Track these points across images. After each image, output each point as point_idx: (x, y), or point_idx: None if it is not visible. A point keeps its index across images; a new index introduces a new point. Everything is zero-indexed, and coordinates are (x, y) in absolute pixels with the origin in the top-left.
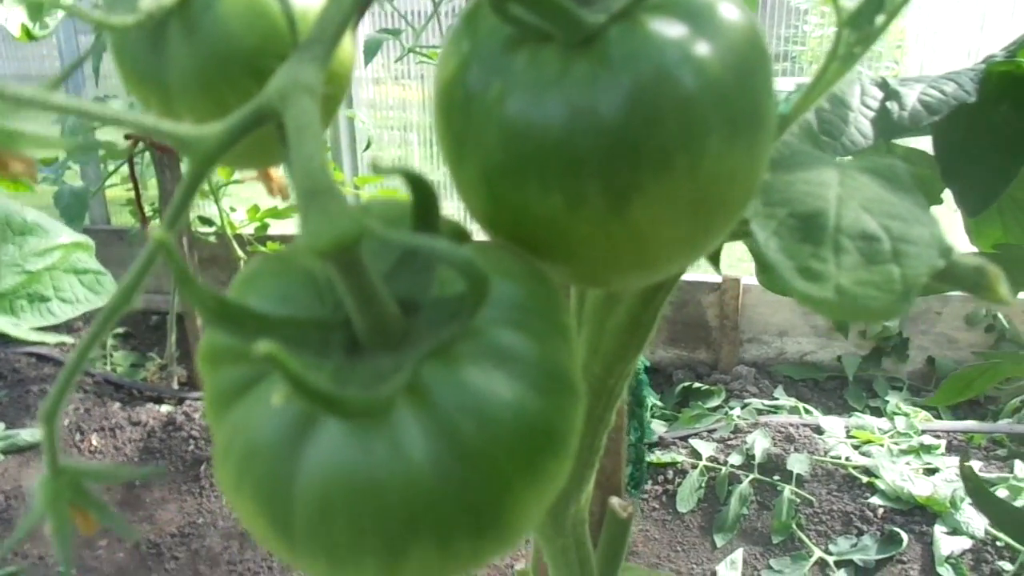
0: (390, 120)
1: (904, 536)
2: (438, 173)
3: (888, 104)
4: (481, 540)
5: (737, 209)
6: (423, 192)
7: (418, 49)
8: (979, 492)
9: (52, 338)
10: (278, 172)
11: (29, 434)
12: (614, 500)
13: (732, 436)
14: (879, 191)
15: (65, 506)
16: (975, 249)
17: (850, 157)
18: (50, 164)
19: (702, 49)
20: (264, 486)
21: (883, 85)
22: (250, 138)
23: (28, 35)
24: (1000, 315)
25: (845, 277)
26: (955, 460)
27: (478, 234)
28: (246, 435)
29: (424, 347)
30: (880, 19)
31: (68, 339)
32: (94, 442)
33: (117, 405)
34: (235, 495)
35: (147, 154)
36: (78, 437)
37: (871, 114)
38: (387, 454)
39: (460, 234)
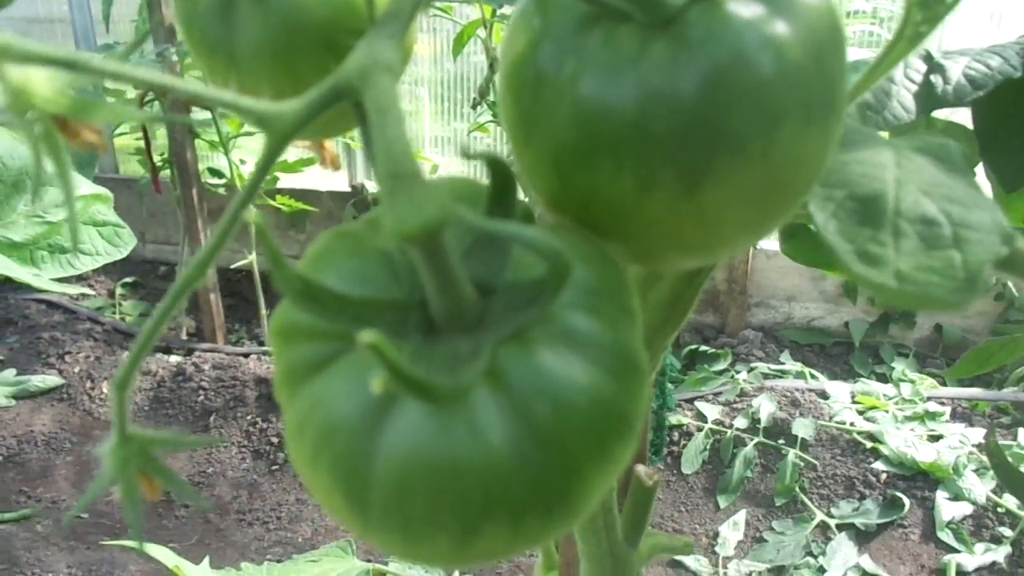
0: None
1: (906, 501)
2: (448, 129)
3: (932, 78)
4: (550, 519)
5: (804, 192)
6: (502, 175)
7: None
8: (1003, 467)
9: (74, 289)
10: (330, 142)
11: (40, 380)
12: (640, 468)
13: (738, 400)
14: (936, 173)
15: (134, 472)
16: None
17: (889, 134)
18: None
19: (781, 32)
20: (342, 463)
21: (927, 58)
22: None
23: None
24: (1009, 283)
25: (905, 262)
26: (959, 427)
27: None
28: (324, 412)
29: (501, 331)
30: None
31: (88, 291)
32: (105, 390)
33: (127, 354)
34: (310, 470)
35: (156, 103)
36: (88, 385)
37: (914, 88)
38: (465, 436)
39: (528, 214)
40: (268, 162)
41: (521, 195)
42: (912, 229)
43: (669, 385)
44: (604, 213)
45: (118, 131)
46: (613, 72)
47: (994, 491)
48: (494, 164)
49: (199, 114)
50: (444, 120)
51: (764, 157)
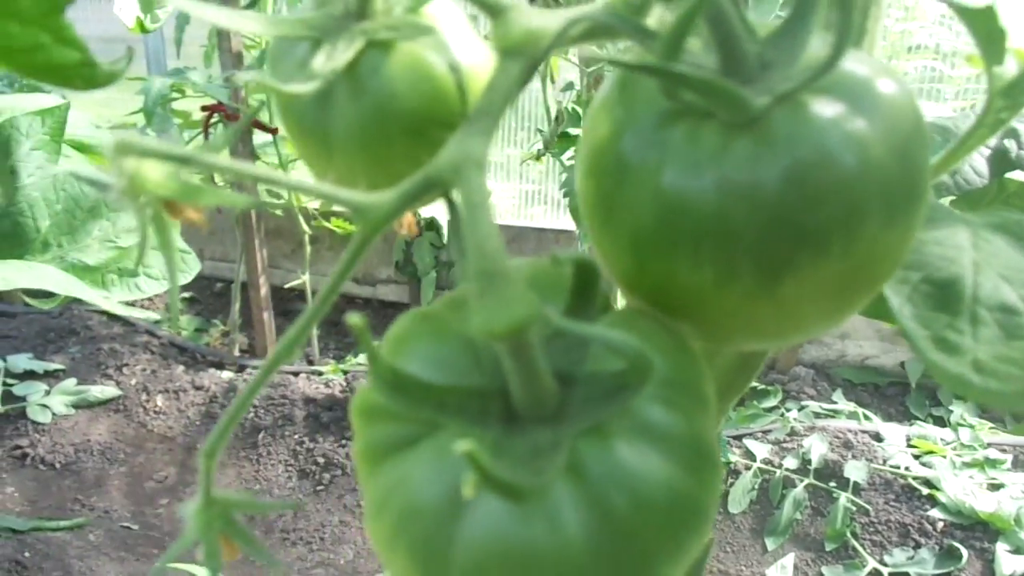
0: None
1: (964, 552)
2: (501, 155)
3: (1006, 142)
4: None
5: (881, 284)
6: (589, 274)
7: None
8: None
9: (141, 314)
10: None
11: (99, 391)
12: None
13: (788, 439)
14: (1014, 256)
15: (216, 535)
16: None
17: (955, 203)
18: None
19: (863, 130)
20: (421, 547)
21: None
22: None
23: (142, 28)
24: None
25: (983, 351)
26: (1022, 476)
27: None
28: (406, 494)
29: (580, 423)
30: None
31: (155, 315)
32: (159, 403)
33: (181, 368)
34: (389, 550)
35: (220, 125)
36: (144, 397)
37: (987, 152)
38: (544, 527)
39: (604, 298)
40: (360, 249)
41: None
42: (991, 317)
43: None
44: (681, 301)
45: None
46: (696, 166)
47: None
48: (580, 264)
49: (260, 137)
50: (498, 146)
51: (845, 253)
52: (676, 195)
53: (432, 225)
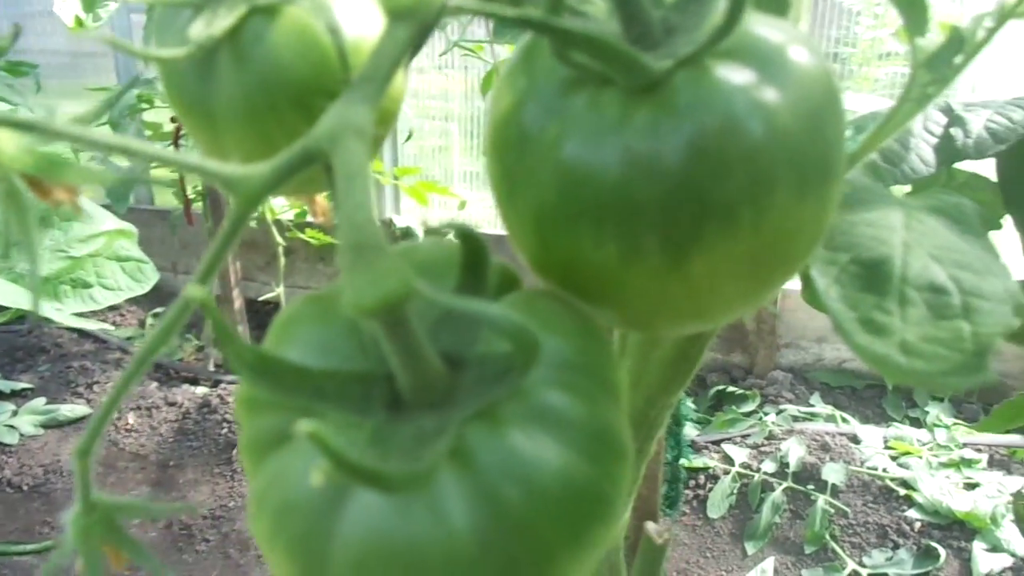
0: (431, 110)
1: (942, 551)
2: (477, 164)
3: (952, 131)
4: None
5: (801, 260)
6: (474, 245)
7: (463, 42)
8: None
9: (93, 325)
10: (321, 195)
11: (69, 409)
12: (650, 526)
13: (766, 442)
14: (948, 236)
15: (97, 543)
16: None
17: (909, 189)
18: None
19: (772, 98)
20: (299, 544)
21: (947, 110)
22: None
23: (80, 24)
24: None
25: (911, 332)
26: (997, 475)
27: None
28: (283, 489)
29: (468, 408)
30: (959, 60)
31: (109, 326)
32: (131, 421)
33: (154, 384)
34: (268, 548)
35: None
36: (115, 415)
37: (934, 140)
38: (428, 520)
39: (510, 278)
40: (236, 225)
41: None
42: (920, 297)
43: (685, 435)
44: (588, 280)
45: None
46: (596, 136)
47: None
48: (464, 235)
49: None
50: (474, 155)
51: (755, 227)
52: (576, 167)
53: (408, 235)
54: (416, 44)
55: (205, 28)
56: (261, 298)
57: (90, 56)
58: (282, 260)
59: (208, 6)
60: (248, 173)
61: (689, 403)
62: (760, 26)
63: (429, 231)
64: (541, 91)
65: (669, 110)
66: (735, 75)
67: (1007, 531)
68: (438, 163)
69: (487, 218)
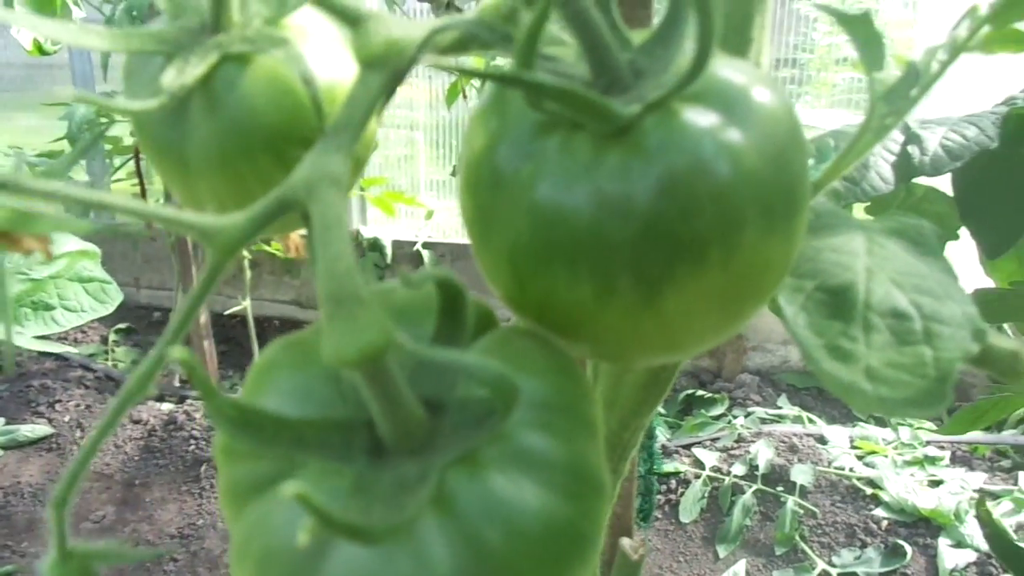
0: (396, 119)
1: (908, 549)
2: (443, 172)
3: (909, 148)
4: None
5: (769, 293)
6: (451, 292)
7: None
8: (996, 537)
9: (56, 348)
10: (294, 232)
11: (29, 429)
12: (625, 541)
13: (735, 445)
14: (908, 260)
15: None
16: (990, 282)
17: (869, 209)
18: (55, 158)
19: (738, 139)
20: None
21: (904, 129)
22: None
23: (40, 50)
24: (1007, 328)
25: (875, 358)
26: (960, 472)
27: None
28: (266, 538)
29: (449, 453)
30: (914, 92)
31: (72, 349)
32: None
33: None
34: None
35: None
36: (78, 434)
37: (892, 158)
38: (410, 567)
39: (485, 316)
40: (211, 278)
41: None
42: (883, 323)
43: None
44: (563, 317)
45: (115, 177)
46: (569, 178)
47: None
48: (442, 283)
49: None
50: (440, 164)
51: (725, 264)
52: (550, 208)
53: (376, 246)
54: (388, 92)
55: (177, 76)
56: (227, 312)
57: (47, 68)
58: (248, 273)
59: (179, 54)
60: (224, 224)
61: (659, 409)
62: (725, 68)
63: (407, 282)
64: (514, 133)
65: (639, 153)
66: (702, 118)
67: (971, 527)
68: (404, 172)
69: (454, 227)
